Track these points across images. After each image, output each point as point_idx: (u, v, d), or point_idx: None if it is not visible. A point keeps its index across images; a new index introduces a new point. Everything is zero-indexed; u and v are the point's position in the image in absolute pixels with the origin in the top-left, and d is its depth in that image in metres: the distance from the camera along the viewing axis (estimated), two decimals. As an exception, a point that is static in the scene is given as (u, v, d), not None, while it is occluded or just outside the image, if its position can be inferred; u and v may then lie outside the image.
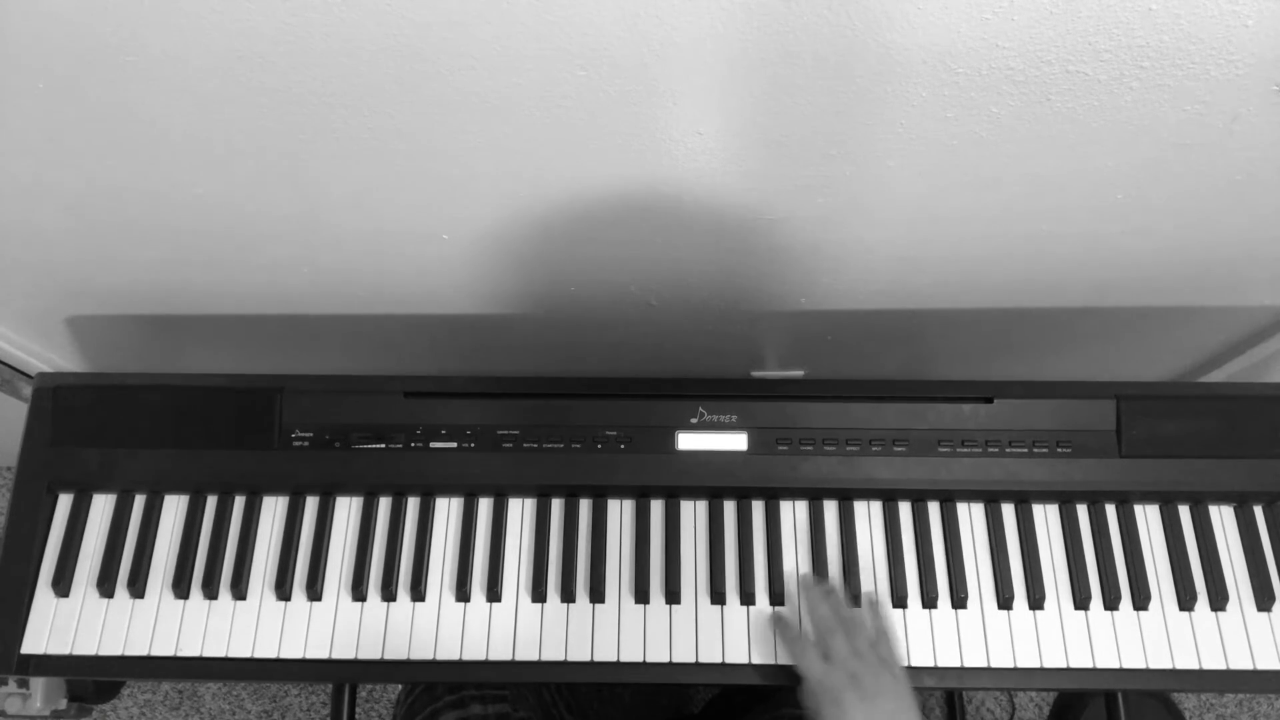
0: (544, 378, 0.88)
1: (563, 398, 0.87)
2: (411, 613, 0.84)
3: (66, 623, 0.83)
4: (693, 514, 0.87)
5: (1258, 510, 0.87)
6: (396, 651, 0.83)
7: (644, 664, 0.82)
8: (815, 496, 0.87)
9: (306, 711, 1.51)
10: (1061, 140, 0.71)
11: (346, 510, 0.88)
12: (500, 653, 0.82)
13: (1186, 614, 0.83)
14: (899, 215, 0.82)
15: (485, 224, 0.84)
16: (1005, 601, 0.84)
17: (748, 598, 0.84)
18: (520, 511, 0.88)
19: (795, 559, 0.86)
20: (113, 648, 0.82)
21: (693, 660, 0.82)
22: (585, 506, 0.88)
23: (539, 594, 0.84)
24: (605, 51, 0.62)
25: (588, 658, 0.82)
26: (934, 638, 0.82)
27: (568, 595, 0.84)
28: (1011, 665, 0.81)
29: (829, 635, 0.77)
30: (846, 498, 0.87)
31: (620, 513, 0.87)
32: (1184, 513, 0.87)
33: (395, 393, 0.87)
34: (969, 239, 0.87)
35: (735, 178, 0.76)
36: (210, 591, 0.84)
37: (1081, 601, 0.83)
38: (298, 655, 0.82)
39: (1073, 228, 0.85)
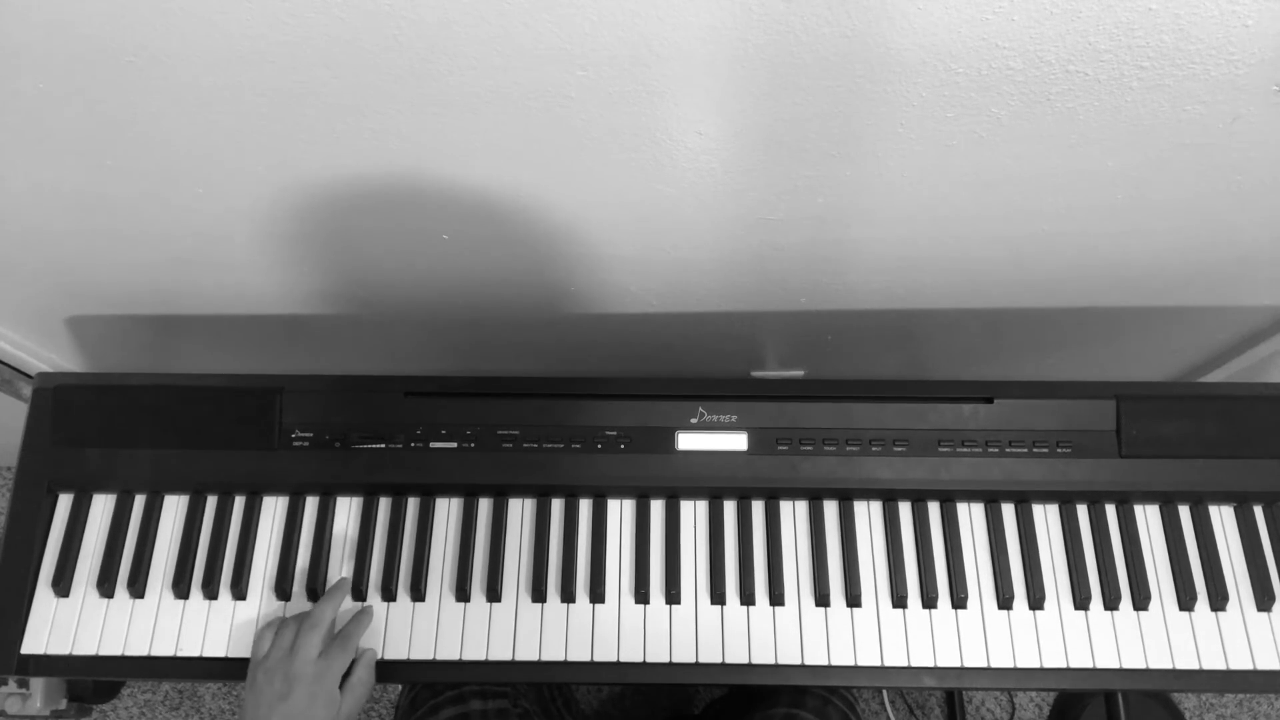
0: (544, 378, 0.88)
1: (563, 398, 0.87)
2: (411, 612, 0.84)
3: (66, 623, 0.83)
4: (693, 514, 0.87)
5: (1258, 510, 0.87)
6: (396, 651, 0.82)
7: (644, 664, 0.82)
8: (815, 496, 0.87)
9: (306, 711, 1.51)
10: (1062, 140, 0.71)
11: (346, 510, 0.88)
12: (500, 653, 0.82)
13: (1186, 614, 0.83)
14: (899, 215, 0.82)
15: (486, 224, 0.84)
16: (1005, 601, 0.84)
17: (748, 598, 0.84)
18: (520, 511, 0.88)
19: (795, 559, 0.86)
20: (113, 648, 0.82)
21: (693, 660, 0.82)
22: (585, 506, 0.88)
23: (539, 594, 0.84)
24: (605, 51, 0.62)
25: (588, 658, 0.82)
26: (934, 638, 0.82)
27: (568, 595, 0.84)
28: (1011, 665, 0.81)
29: (282, 632, 0.80)
30: (846, 498, 0.87)
31: (620, 513, 0.87)
32: (1184, 513, 0.87)
33: (395, 393, 0.87)
34: (969, 239, 0.87)
35: (735, 177, 0.76)
36: (210, 591, 0.84)
37: (1081, 601, 0.83)
38: (298, 655, 0.82)
39: (1073, 228, 0.85)
